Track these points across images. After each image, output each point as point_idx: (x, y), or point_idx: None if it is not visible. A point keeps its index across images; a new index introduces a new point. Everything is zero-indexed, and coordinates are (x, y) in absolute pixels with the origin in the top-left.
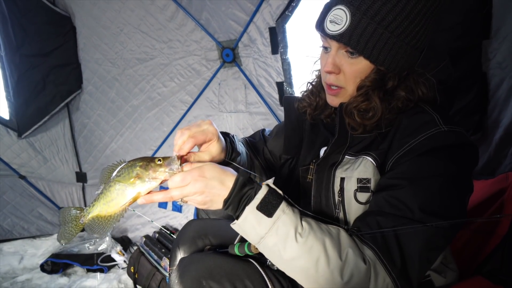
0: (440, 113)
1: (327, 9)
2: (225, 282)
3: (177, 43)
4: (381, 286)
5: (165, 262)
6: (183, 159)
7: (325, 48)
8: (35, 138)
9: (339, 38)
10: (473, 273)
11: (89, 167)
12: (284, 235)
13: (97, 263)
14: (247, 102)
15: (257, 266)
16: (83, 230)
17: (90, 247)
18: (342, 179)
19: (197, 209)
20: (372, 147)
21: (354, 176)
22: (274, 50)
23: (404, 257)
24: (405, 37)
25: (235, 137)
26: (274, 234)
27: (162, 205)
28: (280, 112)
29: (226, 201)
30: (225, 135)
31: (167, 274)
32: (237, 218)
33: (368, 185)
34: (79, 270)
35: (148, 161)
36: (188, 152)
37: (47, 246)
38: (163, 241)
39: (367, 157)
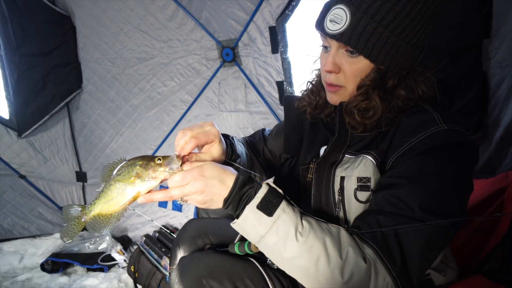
0: (440, 112)
1: (327, 8)
2: (225, 281)
3: (177, 42)
4: (381, 285)
5: (165, 261)
6: (184, 159)
7: (325, 47)
8: (35, 137)
9: (339, 37)
10: (473, 272)
11: (89, 167)
12: (285, 234)
13: (98, 262)
14: (247, 102)
15: (257, 265)
16: (84, 229)
17: (90, 246)
18: (342, 178)
19: (197, 208)
20: (372, 146)
21: (354, 175)
22: (274, 49)
23: (404, 256)
24: (405, 36)
25: (234, 138)
26: (275, 233)
27: (162, 204)
28: (280, 111)
29: (226, 200)
30: (225, 137)
31: (167, 273)
32: (237, 217)
33: (368, 184)
34: (79, 269)
35: (148, 160)
36: (190, 153)
37: (47, 245)
38: (163, 240)
39: (367, 156)
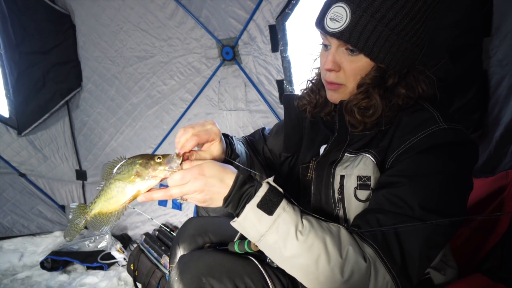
0: (440, 110)
1: (327, 7)
2: (225, 279)
3: (177, 41)
4: (381, 283)
5: (165, 259)
6: (185, 156)
7: (325, 46)
8: (35, 136)
9: (339, 35)
10: (473, 271)
11: (89, 165)
12: (285, 233)
13: (97, 260)
14: (247, 100)
15: (257, 263)
16: (85, 227)
17: (90, 244)
18: (342, 177)
19: (197, 207)
20: (372, 145)
21: (354, 174)
22: (274, 48)
23: (404, 254)
24: (405, 34)
25: (234, 138)
26: (275, 232)
27: (162, 203)
28: (280, 110)
29: (226, 199)
30: (224, 136)
31: (167, 272)
32: (237, 215)
33: (368, 182)
34: (79, 267)
35: (148, 159)
36: (190, 151)
37: (47, 243)
38: (163, 239)
39: (367, 155)
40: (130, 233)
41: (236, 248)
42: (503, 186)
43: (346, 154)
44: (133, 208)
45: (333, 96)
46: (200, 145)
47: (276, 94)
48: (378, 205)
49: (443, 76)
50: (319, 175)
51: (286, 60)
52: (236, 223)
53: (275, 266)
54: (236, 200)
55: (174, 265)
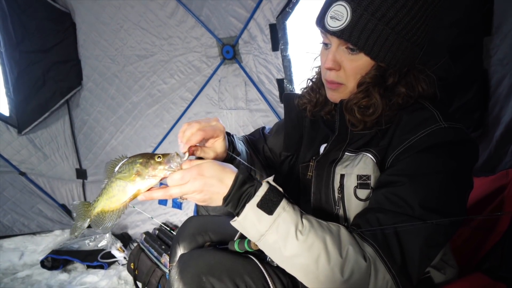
0: (440, 109)
1: (327, 5)
2: (225, 278)
3: (177, 39)
4: (381, 283)
5: (165, 258)
6: (190, 150)
7: (325, 45)
8: (35, 134)
9: (340, 34)
10: (473, 270)
11: (89, 164)
12: (285, 232)
13: (97, 259)
14: (247, 99)
15: (257, 262)
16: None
17: (90, 243)
18: (342, 176)
19: (197, 206)
20: (372, 144)
21: (354, 173)
22: (275, 47)
23: (404, 254)
24: (406, 33)
25: (234, 136)
26: (275, 232)
27: (162, 202)
28: (280, 109)
29: (225, 199)
30: (226, 134)
31: (167, 271)
32: (237, 215)
33: (368, 181)
34: (79, 266)
35: (148, 158)
36: (195, 145)
37: (47, 242)
38: (163, 238)
39: (367, 154)
40: (130, 232)
41: (236, 247)
42: (503, 185)
43: (346, 153)
44: (133, 207)
45: (334, 96)
46: (204, 140)
47: (277, 93)
48: (378, 204)
49: (443, 75)
50: (319, 174)
51: (286, 59)
52: (236, 223)
53: (275, 265)
54: (235, 200)
55: (174, 264)
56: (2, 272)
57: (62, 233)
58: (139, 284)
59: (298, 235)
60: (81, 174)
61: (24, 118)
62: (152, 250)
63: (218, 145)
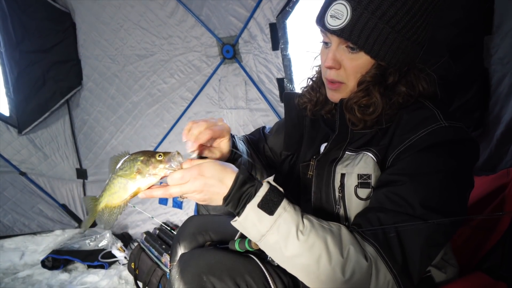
0: (440, 108)
1: (328, 4)
2: (226, 277)
3: (177, 39)
4: (382, 282)
5: (166, 258)
6: (200, 148)
7: (326, 43)
8: (35, 134)
9: (340, 33)
10: (474, 269)
11: (90, 164)
12: (286, 233)
13: (98, 259)
14: (248, 99)
15: (258, 261)
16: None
17: (90, 243)
18: (343, 175)
19: (197, 206)
20: (373, 143)
21: (355, 172)
22: (275, 46)
23: (405, 253)
24: (406, 32)
25: (235, 136)
26: (276, 232)
27: (163, 201)
28: (281, 108)
29: (225, 199)
30: None
31: (167, 270)
32: (238, 215)
33: (369, 181)
34: (80, 266)
35: (149, 157)
36: (203, 145)
37: (48, 242)
38: (163, 238)
39: (368, 153)
40: (130, 231)
41: (236, 247)
42: (504, 184)
43: (346, 152)
44: (134, 206)
45: (334, 96)
46: (211, 140)
47: (277, 92)
48: (379, 203)
49: (443, 74)
50: (319, 173)
51: (286, 58)
52: (236, 223)
53: (276, 264)
54: (235, 200)
55: (175, 263)
56: (3, 272)
57: (62, 233)
58: (140, 284)
59: (299, 235)
60: (82, 174)
61: (24, 118)
62: (153, 250)
63: (224, 145)
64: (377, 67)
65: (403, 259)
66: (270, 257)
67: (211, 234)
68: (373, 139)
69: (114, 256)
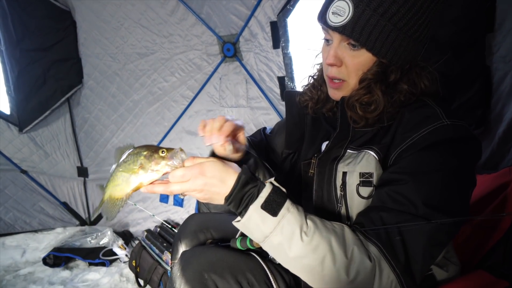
0: (442, 106)
1: (329, 1)
2: (227, 275)
3: (178, 37)
4: (386, 282)
5: (167, 256)
6: (226, 140)
7: (327, 41)
8: (36, 132)
9: (342, 30)
10: (475, 267)
11: (90, 162)
12: (289, 234)
13: (99, 257)
14: (248, 97)
15: (259, 259)
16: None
17: (92, 241)
18: (344, 174)
19: (198, 204)
20: (374, 141)
21: (357, 171)
22: (276, 45)
23: (408, 253)
24: (408, 29)
25: None
26: (279, 233)
27: (164, 199)
28: (282, 107)
29: (227, 199)
30: None
31: (168, 268)
32: (240, 214)
33: (371, 179)
34: (81, 263)
35: (152, 152)
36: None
37: (49, 240)
38: (164, 235)
39: (370, 151)
40: (131, 229)
41: (238, 245)
42: (506, 183)
43: (348, 150)
44: (135, 204)
45: (335, 94)
46: (230, 136)
47: (278, 91)
48: (381, 202)
49: (445, 72)
50: (321, 171)
51: (287, 56)
52: (239, 224)
53: (277, 262)
54: (237, 200)
55: (176, 261)
56: (5, 269)
57: (63, 231)
58: (141, 281)
59: (303, 237)
60: (82, 172)
61: (25, 116)
62: (154, 248)
63: (243, 139)
64: (378, 65)
65: (406, 259)
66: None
67: (212, 232)
68: (375, 137)
69: (115, 254)
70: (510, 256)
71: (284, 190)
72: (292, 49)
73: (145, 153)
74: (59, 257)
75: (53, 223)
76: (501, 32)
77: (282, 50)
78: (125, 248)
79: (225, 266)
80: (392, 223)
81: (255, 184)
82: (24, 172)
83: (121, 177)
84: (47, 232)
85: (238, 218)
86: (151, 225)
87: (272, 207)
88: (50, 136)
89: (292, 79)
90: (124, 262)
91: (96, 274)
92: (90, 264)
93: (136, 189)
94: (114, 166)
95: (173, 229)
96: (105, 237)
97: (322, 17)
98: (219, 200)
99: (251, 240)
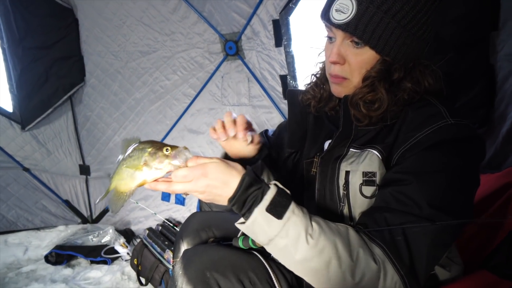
0: (446, 105)
1: None
2: (229, 273)
3: (180, 35)
4: (390, 283)
5: (168, 254)
6: (245, 128)
7: (330, 38)
8: (38, 130)
9: (345, 27)
10: (478, 267)
11: (92, 160)
12: (295, 237)
13: (101, 255)
14: (250, 95)
15: (261, 258)
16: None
17: (93, 239)
18: (347, 173)
19: (200, 203)
20: (378, 140)
21: (360, 170)
22: (278, 43)
23: (412, 254)
24: (412, 27)
25: None
26: (285, 236)
27: (165, 198)
28: (284, 105)
29: (230, 200)
30: None
31: (170, 266)
32: (243, 216)
33: (374, 178)
34: (83, 261)
35: (157, 149)
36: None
37: (51, 237)
38: (166, 234)
39: (373, 150)
40: (133, 228)
41: (240, 244)
42: (509, 182)
43: (351, 149)
44: (137, 203)
45: (338, 90)
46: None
47: (280, 89)
48: (385, 203)
49: (449, 70)
50: (323, 170)
51: (289, 55)
52: (244, 227)
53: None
54: (240, 202)
55: (178, 259)
56: (7, 266)
57: (65, 229)
58: (143, 280)
59: (309, 239)
60: (84, 170)
61: (27, 114)
62: (155, 246)
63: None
64: (382, 63)
65: (410, 260)
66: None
67: (214, 230)
68: (378, 136)
69: (117, 252)
70: None
71: (288, 191)
72: (295, 48)
73: (149, 149)
74: (61, 255)
75: (55, 221)
76: (505, 30)
77: (285, 49)
78: (127, 246)
79: (227, 264)
80: (396, 224)
81: (259, 186)
82: (26, 170)
83: (126, 172)
84: (49, 230)
85: (242, 219)
86: (153, 224)
87: (277, 209)
88: (52, 134)
89: (294, 77)
90: (126, 260)
91: (98, 272)
92: (92, 262)
93: (140, 185)
94: (120, 157)
95: (175, 227)
96: (107, 235)
97: (325, 15)
98: (222, 201)
99: (253, 239)
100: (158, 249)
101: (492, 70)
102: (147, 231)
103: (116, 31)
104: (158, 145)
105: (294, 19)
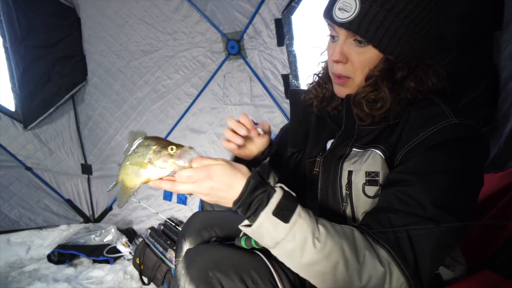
0: (450, 105)
1: None
2: (232, 273)
3: (182, 35)
4: (396, 285)
5: (170, 254)
6: (252, 129)
7: (333, 37)
8: (40, 129)
9: (348, 26)
10: (482, 267)
11: (94, 159)
12: (302, 240)
13: (103, 254)
14: (252, 95)
15: (264, 258)
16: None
17: (96, 238)
18: (350, 172)
19: (202, 202)
20: (380, 140)
21: (363, 170)
22: (280, 42)
23: (417, 256)
24: (415, 25)
25: None
26: (291, 240)
27: (167, 197)
28: (286, 105)
29: (235, 203)
30: None
31: (172, 266)
32: (249, 219)
33: (377, 178)
34: (85, 261)
35: (161, 148)
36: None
37: (54, 237)
38: (168, 233)
39: (376, 150)
40: (135, 227)
41: (242, 244)
42: None
43: (353, 149)
44: (139, 202)
45: (341, 91)
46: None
47: (282, 88)
48: (388, 203)
49: (451, 70)
50: (326, 170)
51: (292, 54)
52: (249, 230)
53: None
54: (246, 205)
55: (181, 259)
56: (10, 265)
57: (68, 228)
58: (145, 279)
59: (316, 243)
60: (86, 169)
61: (29, 113)
62: (158, 245)
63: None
64: (385, 62)
65: (415, 262)
66: None
67: (217, 230)
68: (381, 135)
69: (119, 251)
70: None
71: (294, 194)
72: (297, 47)
73: (154, 147)
74: (63, 254)
75: (57, 220)
76: (509, 29)
77: (287, 48)
78: (129, 246)
79: (230, 264)
80: (400, 225)
81: (265, 189)
82: (28, 169)
83: (131, 168)
84: (51, 229)
85: (246, 222)
86: (155, 223)
87: (283, 213)
88: (55, 133)
89: (296, 77)
90: (128, 260)
91: (100, 271)
92: (94, 261)
93: (145, 182)
94: (127, 147)
95: (177, 227)
96: (109, 235)
97: (328, 13)
98: (226, 204)
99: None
100: (160, 249)
101: (495, 70)
102: (149, 231)
103: (118, 30)
104: (163, 143)
105: (296, 18)
